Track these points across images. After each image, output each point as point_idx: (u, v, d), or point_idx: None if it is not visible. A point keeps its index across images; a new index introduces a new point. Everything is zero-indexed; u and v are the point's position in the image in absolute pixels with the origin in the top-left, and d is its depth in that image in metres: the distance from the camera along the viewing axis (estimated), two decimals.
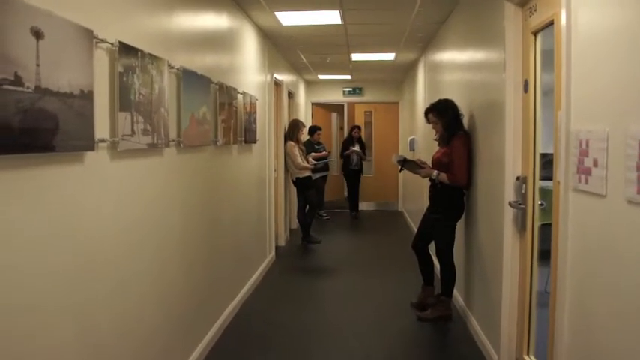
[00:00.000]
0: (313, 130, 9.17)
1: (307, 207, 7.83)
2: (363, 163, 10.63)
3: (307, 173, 7.71)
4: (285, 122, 7.92)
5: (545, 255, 2.93)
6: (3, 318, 1.79)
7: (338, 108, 12.03)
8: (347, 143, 10.43)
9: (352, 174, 10.51)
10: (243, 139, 4.96)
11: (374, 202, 11.39)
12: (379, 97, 11.49)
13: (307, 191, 7.73)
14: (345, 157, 10.41)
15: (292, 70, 9.01)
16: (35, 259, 1.96)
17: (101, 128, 2.33)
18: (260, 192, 6.11)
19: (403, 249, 6.54)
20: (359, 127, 10.67)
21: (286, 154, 7.63)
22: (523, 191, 3.20)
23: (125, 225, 2.65)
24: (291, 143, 7.60)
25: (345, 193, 11.15)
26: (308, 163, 7.79)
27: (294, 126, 7.74)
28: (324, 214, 10.18)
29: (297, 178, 7.72)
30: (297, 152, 7.58)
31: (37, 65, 1.84)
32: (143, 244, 2.86)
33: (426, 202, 4.85)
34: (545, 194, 3.06)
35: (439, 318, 4.56)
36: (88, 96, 2.16)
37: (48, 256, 2.03)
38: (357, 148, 10.29)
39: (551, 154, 2.73)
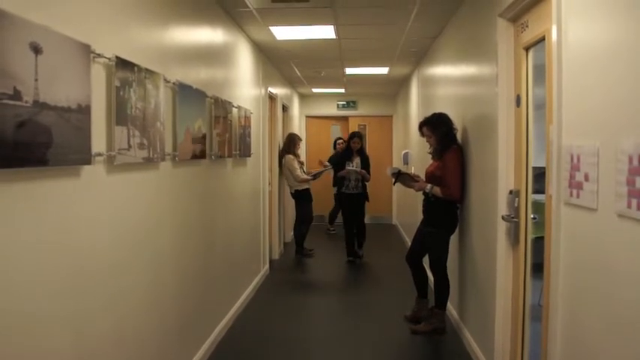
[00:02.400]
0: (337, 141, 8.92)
1: (304, 220, 7.83)
2: (367, 184, 7.59)
3: (306, 185, 7.74)
4: (279, 136, 7.95)
5: (538, 268, 2.95)
6: (1, 325, 1.81)
7: (340, 119, 11.72)
8: (342, 157, 7.66)
9: (349, 200, 7.53)
10: (238, 152, 4.98)
11: (367, 215, 11.37)
12: (373, 110, 11.55)
13: (304, 203, 7.74)
14: (339, 179, 7.58)
15: (286, 83, 9.06)
16: (32, 269, 1.97)
17: (98, 142, 2.34)
18: (254, 205, 6.12)
19: (397, 262, 6.55)
20: (360, 136, 7.68)
21: (285, 168, 7.66)
22: (516, 205, 3.23)
23: (120, 237, 2.66)
24: (290, 156, 7.64)
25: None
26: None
27: (291, 140, 7.78)
28: (332, 229, 10.05)
29: (295, 191, 7.74)
30: (296, 165, 7.62)
31: (36, 80, 1.86)
32: (137, 256, 2.87)
33: (420, 215, 4.87)
34: (538, 207, 3.09)
35: (433, 331, 4.57)
36: (85, 110, 2.18)
37: (45, 266, 2.04)
38: (354, 165, 7.46)
39: (544, 167, 2.76)
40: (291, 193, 7.87)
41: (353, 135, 7.68)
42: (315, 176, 7.82)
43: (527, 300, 3.22)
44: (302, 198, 7.75)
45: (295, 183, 7.66)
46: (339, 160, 7.70)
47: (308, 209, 7.79)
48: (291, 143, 7.73)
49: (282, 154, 7.75)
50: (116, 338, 2.62)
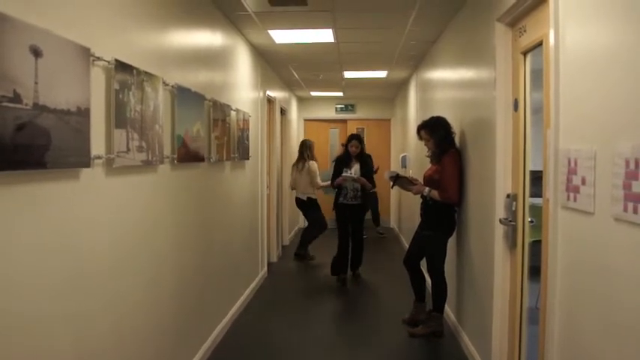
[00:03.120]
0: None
1: (316, 226, 7.85)
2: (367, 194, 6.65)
3: (316, 194, 7.84)
4: (277, 139, 7.96)
5: (535, 271, 2.96)
6: (2, 326, 1.82)
7: (339, 123, 11.65)
8: (340, 163, 6.60)
9: (345, 212, 6.59)
10: (236, 155, 4.99)
11: (366, 218, 11.34)
12: (371, 113, 11.57)
13: (316, 210, 7.79)
14: (337, 187, 6.60)
15: (285, 87, 9.07)
16: (32, 270, 1.97)
17: (97, 145, 2.35)
18: (253, 208, 6.13)
19: (395, 265, 6.55)
20: (359, 138, 6.65)
21: (306, 172, 7.66)
22: (513, 208, 3.24)
23: (119, 239, 2.66)
24: (315, 163, 7.72)
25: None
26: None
27: (308, 146, 7.84)
28: (382, 232, 10.25)
29: (308, 198, 7.76)
30: (318, 172, 7.70)
31: (36, 83, 1.87)
32: (136, 258, 2.87)
33: (417, 219, 4.88)
34: (535, 211, 3.10)
35: (431, 334, 4.57)
36: (84, 113, 2.19)
37: (45, 267, 2.05)
38: (352, 171, 6.48)
39: (541, 171, 2.77)
40: (302, 200, 7.81)
41: (351, 137, 6.66)
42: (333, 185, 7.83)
43: (524, 303, 3.23)
44: (314, 205, 7.82)
45: (310, 190, 7.71)
46: (336, 165, 6.68)
47: (321, 215, 7.84)
48: (312, 149, 7.80)
49: (304, 159, 7.74)
50: (115, 339, 2.62)
